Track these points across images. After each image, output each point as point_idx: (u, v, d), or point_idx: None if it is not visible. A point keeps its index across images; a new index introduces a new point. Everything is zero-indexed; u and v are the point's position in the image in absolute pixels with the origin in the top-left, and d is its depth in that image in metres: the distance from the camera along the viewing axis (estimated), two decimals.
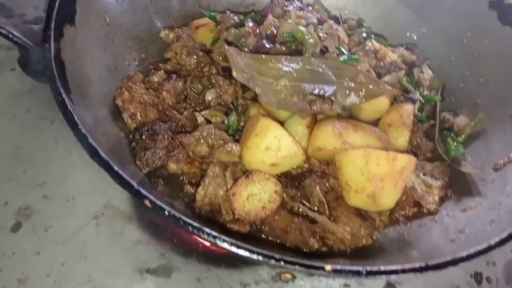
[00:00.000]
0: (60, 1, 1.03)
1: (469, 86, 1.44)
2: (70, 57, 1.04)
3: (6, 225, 1.27)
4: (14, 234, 1.26)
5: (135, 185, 0.80)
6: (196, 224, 0.77)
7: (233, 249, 0.78)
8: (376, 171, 1.06)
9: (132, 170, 1.17)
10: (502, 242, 0.89)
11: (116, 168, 0.81)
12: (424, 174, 1.23)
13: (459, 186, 1.25)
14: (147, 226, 1.29)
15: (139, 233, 1.28)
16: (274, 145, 1.11)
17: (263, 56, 1.16)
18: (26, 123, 1.45)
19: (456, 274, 1.32)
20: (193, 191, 1.19)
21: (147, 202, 0.79)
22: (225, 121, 1.28)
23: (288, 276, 1.24)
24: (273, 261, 0.77)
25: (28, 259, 1.22)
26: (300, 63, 1.16)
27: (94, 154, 0.82)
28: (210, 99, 1.31)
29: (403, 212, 1.21)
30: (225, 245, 0.78)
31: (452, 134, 1.36)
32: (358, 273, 0.77)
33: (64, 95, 0.87)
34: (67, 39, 1.04)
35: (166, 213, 0.78)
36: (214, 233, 0.77)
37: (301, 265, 0.76)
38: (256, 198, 1.12)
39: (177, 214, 0.78)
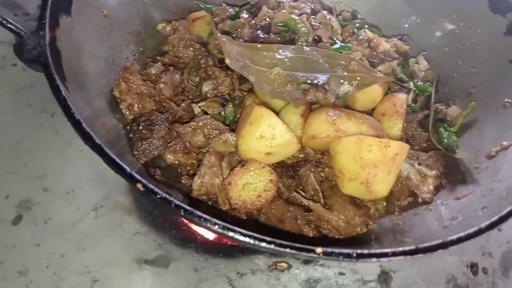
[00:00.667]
0: None
1: (463, 75, 1.45)
2: (66, 47, 1.04)
3: (7, 218, 1.29)
4: (15, 227, 1.28)
5: (128, 169, 0.81)
6: (188, 208, 0.78)
7: (225, 232, 0.78)
8: (369, 157, 1.06)
9: (130, 161, 1.18)
10: (492, 226, 0.89)
11: (109, 152, 0.82)
12: (419, 164, 1.23)
13: (453, 175, 1.25)
14: (146, 218, 1.30)
15: (138, 225, 1.29)
16: (268, 134, 1.11)
17: (256, 44, 1.17)
18: (27, 117, 1.47)
19: (452, 264, 1.33)
20: (190, 182, 1.19)
21: (139, 186, 0.79)
22: (222, 113, 1.29)
23: (284, 265, 1.24)
24: (264, 244, 0.77)
25: (28, 251, 1.24)
26: (293, 52, 1.16)
27: (87, 138, 0.83)
28: (206, 90, 1.32)
29: (398, 202, 1.21)
30: (217, 229, 0.78)
31: (444, 124, 1.36)
32: (348, 256, 0.77)
33: (58, 82, 0.88)
34: (63, 29, 1.04)
35: (158, 196, 0.78)
36: (205, 216, 0.77)
37: (292, 247, 0.76)
38: (251, 187, 1.12)
39: (169, 198, 0.78)
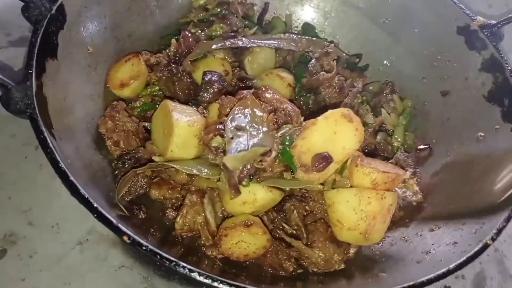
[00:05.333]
0: (42, 37, 1.05)
1: (440, 107, 1.50)
2: (52, 91, 1.06)
3: None
4: None
5: (114, 221, 0.84)
6: (172, 259, 0.81)
7: (208, 281, 0.82)
8: (368, 209, 1.10)
9: (114, 198, 1.20)
10: (460, 266, 0.95)
11: (96, 205, 0.84)
12: None
13: (430, 205, 1.31)
14: (131, 250, 1.31)
15: (123, 258, 1.30)
16: (250, 199, 1.14)
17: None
18: (10, 148, 1.46)
19: None
20: (175, 214, 1.23)
21: (125, 238, 0.82)
22: None
23: None
24: None
25: (13, 286, 1.24)
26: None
27: (74, 191, 0.85)
28: None
29: None
30: (201, 279, 0.81)
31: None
32: None
33: (45, 134, 0.90)
34: (49, 74, 1.06)
35: (144, 248, 0.81)
36: (189, 266, 0.81)
37: None
38: (244, 245, 1.14)
39: (156, 250, 0.81)
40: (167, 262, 0.81)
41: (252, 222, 1.15)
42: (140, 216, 1.18)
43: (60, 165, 0.87)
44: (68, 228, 1.33)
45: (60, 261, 1.29)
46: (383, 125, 1.53)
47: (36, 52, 1.00)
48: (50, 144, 0.89)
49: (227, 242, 1.13)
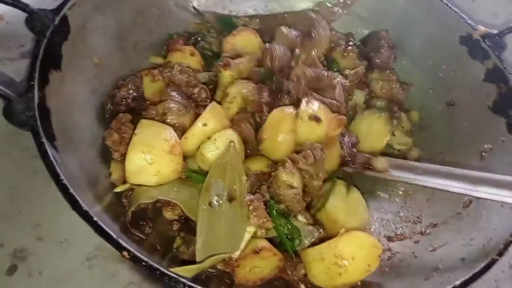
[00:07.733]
0: (45, 48, 1.04)
1: (446, 118, 1.47)
2: (56, 103, 1.05)
3: (1, 268, 1.27)
4: (9, 277, 1.26)
5: (114, 236, 0.81)
6: (172, 275, 0.78)
7: None
8: None
9: (119, 211, 1.18)
10: (466, 283, 0.92)
11: (95, 219, 0.82)
12: None
13: (437, 220, 1.28)
14: (139, 267, 1.28)
15: (131, 274, 1.27)
16: None
17: None
18: (21, 161, 1.45)
19: None
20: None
21: (125, 254, 0.79)
22: None
23: None
24: None
25: None
26: None
27: (74, 205, 0.83)
28: None
29: None
30: None
31: None
32: None
33: (47, 146, 0.88)
34: (53, 85, 1.05)
35: (144, 264, 0.78)
36: (189, 282, 0.77)
37: None
38: (258, 270, 1.12)
39: (155, 265, 0.78)
40: (167, 279, 0.77)
41: (260, 248, 1.10)
42: (146, 231, 1.14)
43: (60, 178, 0.84)
44: (76, 243, 1.31)
45: (69, 278, 1.26)
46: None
47: (38, 63, 0.99)
48: (51, 157, 0.87)
49: (240, 271, 1.09)
